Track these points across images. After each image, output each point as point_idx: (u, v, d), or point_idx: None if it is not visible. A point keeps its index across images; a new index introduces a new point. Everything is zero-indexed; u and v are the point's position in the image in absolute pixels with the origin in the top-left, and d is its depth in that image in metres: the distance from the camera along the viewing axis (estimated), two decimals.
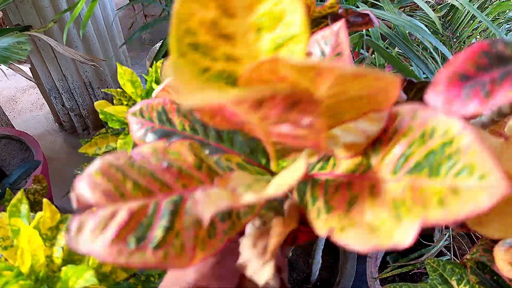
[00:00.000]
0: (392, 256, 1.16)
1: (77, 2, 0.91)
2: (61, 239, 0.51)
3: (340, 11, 0.41)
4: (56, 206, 1.30)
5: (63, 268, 0.45)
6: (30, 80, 0.97)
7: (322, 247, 0.98)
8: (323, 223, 0.21)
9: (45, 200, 0.51)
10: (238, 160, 0.26)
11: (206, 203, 0.21)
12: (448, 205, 0.17)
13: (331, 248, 1.14)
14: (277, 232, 0.23)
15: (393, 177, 0.20)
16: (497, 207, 0.35)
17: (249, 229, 0.25)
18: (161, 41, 1.75)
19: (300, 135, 0.20)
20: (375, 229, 0.19)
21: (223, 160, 0.25)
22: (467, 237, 1.14)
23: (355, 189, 0.21)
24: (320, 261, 1.03)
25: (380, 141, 0.22)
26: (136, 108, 0.34)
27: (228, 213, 0.22)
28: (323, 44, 0.28)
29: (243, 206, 0.22)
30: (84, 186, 0.21)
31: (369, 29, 0.86)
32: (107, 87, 1.63)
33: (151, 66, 0.77)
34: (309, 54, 0.30)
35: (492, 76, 0.18)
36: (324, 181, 0.23)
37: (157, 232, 0.20)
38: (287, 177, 0.20)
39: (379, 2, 0.96)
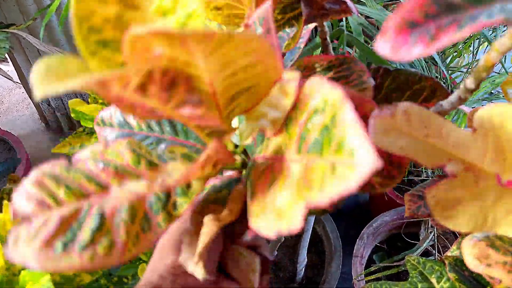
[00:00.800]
0: (378, 255, 1.15)
1: None
2: None
3: None
4: None
5: (22, 272, 0.44)
6: (10, 79, 0.95)
7: (307, 245, 0.98)
8: (249, 209, 0.20)
9: (5, 202, 0.50)
10: (183, 151, 0.25)
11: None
12: (326, 186, 0.17)
13: (317, 246, 1.14)
14: (207, 231, 0.23)
15: (298, 157, 0.20)
16: (461, 200, 0.34)
17: (189, 225, 0.24)
18: None
19: (199, 115, 0.19)
20: (282, 214, 0.18)
21: (167, 152, 0.25)
22: (453, 235, 1.14)
23: (275, 171, 0.21)
24: (306, 260, 1.02)
25: (291, 118, 0.21)
26: (98, 118, 0.36)
27: (162, 205, 0.21)
28: (258, 24, 0.27)
29: (178, 198, 0.22)
30: (19, 199, 0.21)
31: (351, 26, 0.86)
32: None
33: None
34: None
35: (440, 23, 0.18)
36: (258, 164, 0.23)
37: (85, 234, 0.20)
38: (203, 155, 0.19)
39: None
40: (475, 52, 1.11)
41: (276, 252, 1.08)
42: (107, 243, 0.20)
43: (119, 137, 0.34)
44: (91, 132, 0.67)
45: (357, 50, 0.90)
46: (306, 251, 1.00)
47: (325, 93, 0.19)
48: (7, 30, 1.02)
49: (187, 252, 0.23)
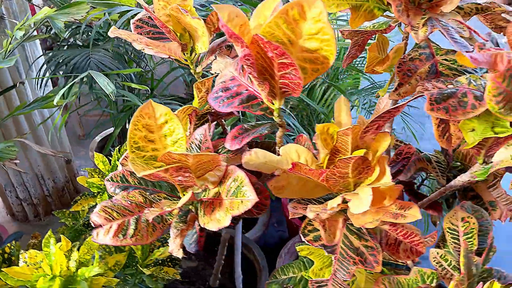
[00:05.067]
0: None
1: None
2: (74, 257, 0.86)
3: (213, 110, 0.86)
4: None
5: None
6: None
7: (240, 264, 1.38)
8: (201, 220, 0.60)
9: (62, 236, 0.87)
10: (164, 195, 0.66)
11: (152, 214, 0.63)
12: (239, 208, 0.52)
13: (250, 268, 1.54)
14: (179, 233, 0.64)
15: (227, 197, 0.54)
16: (283, 184, 0.83)
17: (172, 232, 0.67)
18: (99, 136, 2.17)
19: (186, 180, 0.63)
20: (220, 221, 0.56)
21: (156, 196, 0.66)
22: None
23: (215, 204, 0.56)
24: (241, 276, 1.42)
25: (222, 182, 0.60)
26: (108, 177, 0.71)
27: (160, 219, 0.63)
28: (199, 139, 0.69)
29: (166, 214, 0.65)
30: (96, 216, 0.58)
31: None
32: (56, 177, 1.96)
33: (100, 152, 1.14)
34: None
35: (248, 134, 0.65)
36: (204, 201, 0.58)
37: (130, 231, 0.59)
38: (183, 199, 0.61)
39: None
40: None
41: (220, 276, 1.46)
42: (140, 235, 0.58)
43: (121, 188, 0.67)
44: (93, 196, 1.06)
45: None
46: (241, 270, 1.39)
47: (238, 173, 0.55)
48: None
49: (172, 244, 0.62)
